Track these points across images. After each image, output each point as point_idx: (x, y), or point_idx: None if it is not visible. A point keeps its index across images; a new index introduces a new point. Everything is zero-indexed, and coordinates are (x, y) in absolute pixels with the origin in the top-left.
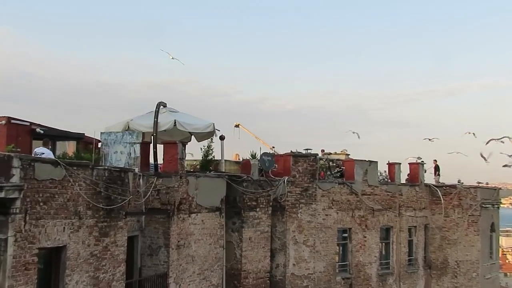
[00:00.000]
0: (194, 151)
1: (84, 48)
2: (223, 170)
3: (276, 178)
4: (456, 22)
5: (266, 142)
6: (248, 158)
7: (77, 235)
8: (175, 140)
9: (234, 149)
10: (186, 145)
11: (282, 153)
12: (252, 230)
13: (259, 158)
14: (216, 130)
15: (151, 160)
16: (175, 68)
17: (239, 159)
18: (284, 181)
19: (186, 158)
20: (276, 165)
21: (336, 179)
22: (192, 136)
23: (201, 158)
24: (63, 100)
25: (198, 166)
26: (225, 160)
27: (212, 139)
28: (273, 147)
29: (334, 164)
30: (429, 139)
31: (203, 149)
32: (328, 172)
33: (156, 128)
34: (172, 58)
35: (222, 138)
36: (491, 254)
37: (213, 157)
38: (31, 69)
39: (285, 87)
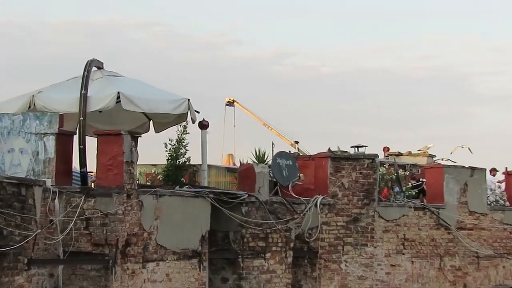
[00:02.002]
0: (154, 149)
1: None
2: (206, 184)
3: (302, 198)
4: None
5: (282, 133)
6: (250, 162)
7: None
8: (119, 130)
9: (225, 145)
10: (140, 138)
11: (312, 154)
12: None
13: (271, 162)
14: (193, 112)
15: (76, 166)
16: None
17: (233, 164)
18: (316, 204)
19: (139, 162)
20: (301, 175)
21: (411, 201)
22: (151, 122)
23: (166, 162)
24: None
25: (160, 177)
26: (209, 165)
27: (185, 127)
28: (296, 142)
29: (407, 174)
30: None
31: (170, 146)
32: (397, 188)
33: (85, 107)
34: None
35: (203, 125)
36: None
37: (188, 159)
38: None
39: (317, 37)
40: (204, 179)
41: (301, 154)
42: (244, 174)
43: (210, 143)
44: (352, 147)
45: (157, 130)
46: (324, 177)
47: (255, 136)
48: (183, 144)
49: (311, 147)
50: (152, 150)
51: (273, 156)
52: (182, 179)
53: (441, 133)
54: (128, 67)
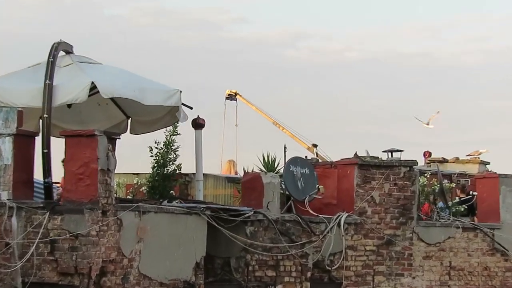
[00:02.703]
0: (137, 154)
1: None
2: (201, 198)
3: (322, 216)
4: None
5: (297, 134)
6: (256, 170)
7: None
8: (93, 129)
9: (225, 149)
10: (118, 140)
11: (334, 160)
12: None
13: (282, 170)
14: (184, 108)
15: (38, 175)
16: None
17: (235, 173)
18: (339, 224)
19: (118, 171)
20: (320, 187)
21: (459, 219)
22: (130, 121)
23: (151, 170)
24: None
25: (144, 189)
26: (205, 174)
27: (175, 126)
28: (315, 145)
29: (454, 185)
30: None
31: (156, 150)
32: (441, 204)
33: (50, 100)
34: None
35: (198, 125)
36: None
37: (179, 167)
38: None
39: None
40: (199, 192)
41: (320, 161)
42: (249, 186)
43: (207, 146)
44: (384, 151)
45: (137, 131)
46: (350, 190)
47: (262, 138)
48: (173, 148)
49: (333, 152)
50: (134, 155)
51: (285, 163)
52: (172, 191)
53: (498, 135)
54: (104, 51)
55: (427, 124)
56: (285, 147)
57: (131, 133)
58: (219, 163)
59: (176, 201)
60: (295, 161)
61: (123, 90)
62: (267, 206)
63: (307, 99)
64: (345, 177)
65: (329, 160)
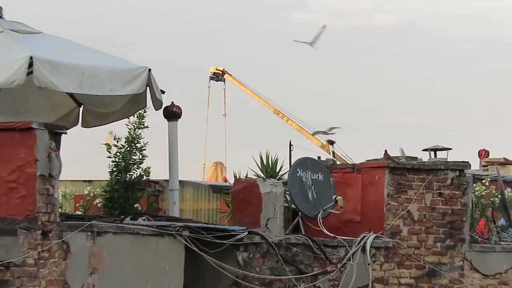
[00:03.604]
0: (88, 155)
1: None
2: (177, 214)
3: (341, 238)
4: None
5: (306, 127)
6: (252, 176)
7: None
8: (29, 122)
9: (210, 148)
10: (64, 136)
11: (355, 162)
12: None
13: (287, 175)
14: (155, 92)
15: None
16: None
17: (224, 179)
18: (364, 248)
19: (63, 177)
20: (339, 199)
21: None
22: (82, 109)
23: (109, 176)
24: None
25: (99, 202)
26: (182, 181)
27: (142, 116)
28: (331, 142)
29: None
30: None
31: (116, 149)
32: (502, 221)
33: None
34: None
35: (172, 114)
36: None
37: (146, 172)
38: None
39: None
40: (174, 206)
41: (338, 163)
42: (241, 197)
43: (185, 144)
44: (425, 150)
45: (90, 123)
46: (378, 202)
47: (260, 132)
48: (138, 145)
49: (356, 151)
50: (85, 156)
51: (291, 166)
52: (137, 205)
53: None
54: (47, 15)
55: (312, 44)
56: (290, 145)
57: (82, 126)
58: (202, 167)
59: (143, 218)
60: (304, 163)
61: (67, 76)
62: (266, 224)
63: (320, 80)
64: (372, 185)
65: (350, 162)
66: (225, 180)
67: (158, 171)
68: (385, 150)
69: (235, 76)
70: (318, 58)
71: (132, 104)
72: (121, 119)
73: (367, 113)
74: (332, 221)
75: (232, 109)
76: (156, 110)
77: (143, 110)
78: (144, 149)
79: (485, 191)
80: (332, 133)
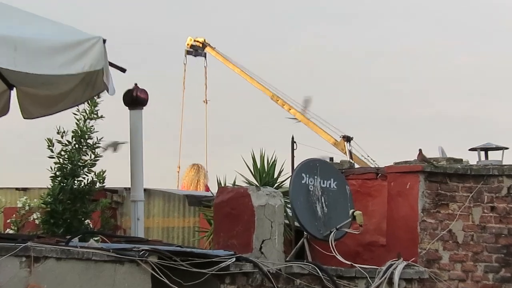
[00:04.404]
0: (25, 154)
1: None
2: (142, 233)
3: (359, 266)
4: None
5: (314, 117)
6: (242, 183)
7: None
8: None
9: (187, 144)
10: None
11: (379, 165)
12: None
13: (289, 182)
14: (112, 70)
15: None
16: None
17: (205, 188)
18: (391, 279)
19: None
20: (357, 214)
21: None
22: (16, 94)
23: (51, 182)
24: None
25: (37, 217)
26: (148, 189)
27: (95, 102)
28: (347, 138)
29: None
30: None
31: (61, 146)
32: None
33: None
34: None
35: (136, 100)
36: None
37: (100, 178)
38: None
39: None
40: (138, 223)
41: (357, 166)
42: (228, 211)
43: (152, 140)
44: (473, 149)
45: (32, 113)
46: (410, 218)
47: (253, 124)
48: (90, 142)
49: (379, 151)
50: (20, 155)
51: (294, 170)
52: (87, 221)
53: None
54: None
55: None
56: (293, 142)
57: (24, 117)
58: (175, 171)
59: (96, 238)
60: (312, 166)
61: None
62: (261, 248)
63: (335, 56)
64: (402, 196)
65: (372, 165)
66: (207, 189)
67: (117, 176)
68: (420, 150)
69: (220, 49)
70: (332, 27)
71: (86, 87)
72: (73, 107)
73: (396, 100)
74: (349, 244)
75: (215, 94)
76: (110, 95)
77: (97, 96)
78: (98, 147)
79: None
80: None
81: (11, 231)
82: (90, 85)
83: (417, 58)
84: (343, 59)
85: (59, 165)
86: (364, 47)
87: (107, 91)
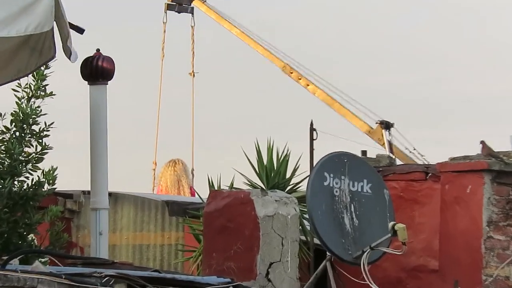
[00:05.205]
0: None
1: None
2: (105, 252)
3: None
4: None
5: (339, 96)
6: (242, 185)
7: None
8: None
9: (165, 130)
10: None
11: (429, 162)
12: None
13: (307, 184)
14: (64, 33)
15: None
16: None
17: (190, 191)
18: None
19: None
20: (399, 228)
21: None
22: None
23: None
24: None
25: None
26: (114, 193)
27: (40, 74)
28: (386, 125)
29: None
30: None
31: None
32: None
33: None
34: None
35: (98, 72)
36: None
37: (49, 176)
38: None
39: None
40: (100, 238)
41: (399, 162)
42: (222, 224)
43: (118, 125)
44: None
45: None
46: (472, 233)
47: (256, 104)
48: (35, 129)
49: (430, 143)
50: None
51: (313, 168)
52: (32, 236)
53: None
54: None
55: None
56: (312, 129)
57: None
58: (151, 168)
59: (43, 260)
60: (338, 162)
61: None
62: (268, 274)
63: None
64: (461, 203)
65: (420, 162)
66: (192, 192)
67: (72, 176)
68: (482, 142)
69: (212, 3)
70: None
71: (30, 54)
72: (12, 81)
73: (450, 74)
74: (388, 268)
75: (205, 64)
76: (72, 62)
77: (45, 65)
78: (46, 135)
79: None
80: None
81: None
82: (36, 52)
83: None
84: (375, 16)
85: None
86: None
87: (69, 59)
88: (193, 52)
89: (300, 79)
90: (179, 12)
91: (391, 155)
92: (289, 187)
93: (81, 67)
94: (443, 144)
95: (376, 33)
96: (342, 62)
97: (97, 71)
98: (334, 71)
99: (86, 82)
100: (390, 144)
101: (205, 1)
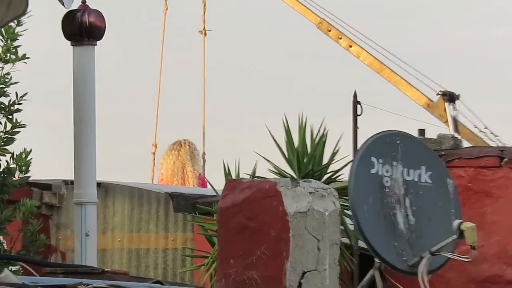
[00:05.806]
0: None
1: None
2: (93, 261)
3: None
4: None
5: (388, 58)
6: (266, 173)
7: None
8: None
9: (169, 105)
10: None
11: (506, 144)
12: None
13: (350, 172)
14: None
15: None
16: None
17: (200, 181)
18: None
19: None
20: (467, 227)
21: None
22: None
23: None
24: None
25: None
26: (103, 183)
27: (11, 32)
28: (449, 97)
29: None
30: None
31: None
32: None
33: None
34: None
35: (83, 29)
36: None
37: (23, 158)
38: None
39: None
40: (86, 240)
41: (466, 145)
42: (241, 222)
43: (110, 97)
44: None
45: None
46: None
47: (284, 72)
48: (4, 101)
49: (502, 118)
50: None
51: (356, 152)
52: (0, 238)
53: None
54: None
55: None
56: (356, 102)
57: None
58: (150, 151)
59: (15, 268)
60: (389, 145)
61: None
62: (299, 286)
63: None
64: None
65: (493, 144)
66: (203, 182)
67: (51, 162)
68: None
69: None
70: None
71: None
72: None
73: None
74: (453, 278)
75: (219, 21)
76: (66, 8)
77: (17, 21)
78: (18, 110)
79: None
80: None
81: None
82: (3, 4)
83: None
84: None
85: None
86: None
87: (63, 4)
88: (205, 5)
89: (340, 38)
90: None
91: (456, 135)
92: (326, 176)
93: (62, 24)
94: None
95: None
96: (393, 17)
97: (82, 28)
98: (383, 29)
99: (69, 43)
100: (455, 121)
101: None
